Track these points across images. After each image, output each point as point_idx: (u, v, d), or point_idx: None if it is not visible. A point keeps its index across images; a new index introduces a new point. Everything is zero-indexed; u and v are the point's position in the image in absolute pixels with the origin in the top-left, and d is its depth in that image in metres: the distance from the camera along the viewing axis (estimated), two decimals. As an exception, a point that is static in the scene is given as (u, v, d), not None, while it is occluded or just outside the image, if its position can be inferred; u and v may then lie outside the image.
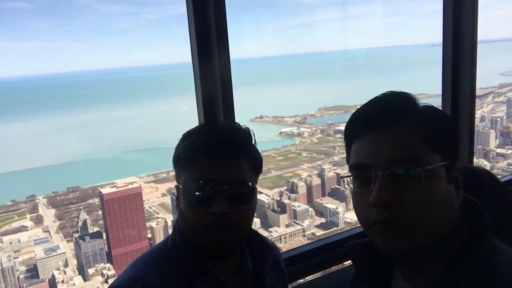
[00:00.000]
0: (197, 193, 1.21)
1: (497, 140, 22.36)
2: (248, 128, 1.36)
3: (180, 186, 1.27)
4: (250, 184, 1.26)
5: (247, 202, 1.26)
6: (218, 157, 1.22)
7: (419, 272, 1.00)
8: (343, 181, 1.05)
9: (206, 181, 1.21)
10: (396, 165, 0.93)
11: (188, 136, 1.29)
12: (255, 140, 1.35)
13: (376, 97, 1.04)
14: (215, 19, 1.95)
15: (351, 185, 1.03)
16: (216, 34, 1.96)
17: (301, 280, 2.35)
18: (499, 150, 21.13)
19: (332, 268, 2.51)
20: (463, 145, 2.80)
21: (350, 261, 2.46)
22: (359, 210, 1.01)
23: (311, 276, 2.43)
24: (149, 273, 1.23)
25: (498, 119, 22.98)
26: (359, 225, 1.03)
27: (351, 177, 1.03)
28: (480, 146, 20.99)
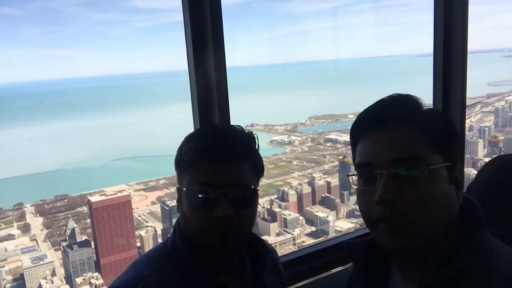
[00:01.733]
0: (200, 196, 1.22)
1: (485, 150, 22.61)
2: (251, 131, 1.38)
3: (184, 189, 1.27)
4: (252, 187, 1.28)
5: (250, 205, 1.28)
6: (221, 160, 1.23)
7: (417, 269, 1.04)
8: (349, 179, 1.09)
9: (209, 184, 1.22)
10: (400, 165, 0.97)
11: (191, 139, 1.30)
12: (258, 144, 1.37)
13: (382, 98, 1.09)
14: (211, 25, 1.95)
15: (357, 183, 1.07)
16: (212, 40, 1.97)
17: (298, 284, 2.36)
18: (487, 159, 21.33)
19: (330, 271, 2.52)
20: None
21: (346, 265, 2.47)
22: (363, 207, 1.04)
23: (307, 279, 2.43)
24: (150, 274, 1.24)
25: (486, 128, 23.26)
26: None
27: (357, 176, 1.07)
28: (468, 155, 21.19)
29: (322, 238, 18.76)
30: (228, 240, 1.23)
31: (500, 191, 1.70)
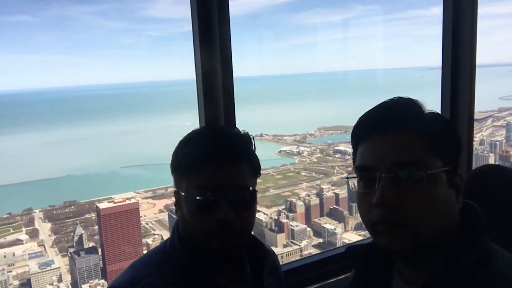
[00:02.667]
0: (201, 200, 1.22)
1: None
2: (247, 132, 1.38)
3: (183, 194, 1.27)
4: (251, 188, 1.28)
5: (250, 206, 1.28)
6: (220, 163, 1.23)
7: (418, 273, 1.04)
8: (349, 182, 1.10)
9: (209, 188, 1.22)
10: (399, 168, 0.98)
11: (188, 142, 1.30)
12: (254, 144, 1.38)
13: (383, 102, 1.09)
14: (219, 33, 1.98)
15: (356, 186, 1.08)
16: (220, 52, 1.99)
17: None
18: (498, 174, 21.04)
19: (330, 280, 2.51)
20: (461, 168, 2.82)
21: (347, 274, 2.46)
22: (363, 210, 1.05)
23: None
24: (148, 275, 1.24)
25: (498, 142, 23.00)
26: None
27: (357, 179, 1.08)
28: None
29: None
30: (230, 243, 1.23)
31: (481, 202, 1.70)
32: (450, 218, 1.01)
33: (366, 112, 1.10)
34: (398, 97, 1.09)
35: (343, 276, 2.47)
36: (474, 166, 2.82)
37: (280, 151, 26.28)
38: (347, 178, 1.11)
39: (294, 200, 21.39)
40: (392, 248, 1.01)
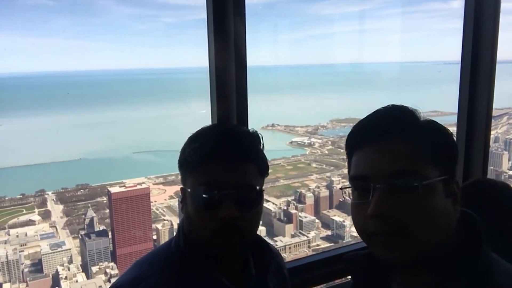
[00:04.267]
0: (205, 198, 1.21)
1: (510, 162, 22.04)
2: (256, 131, 1.36)
3: (188, 190, 1.26)
4: (257, 188, 1.26)
5: (255, 206, 1.26)
6: (227, 161, 1.22)
7: (416, 284, 1.01)
8: (344, 192, 1.08)
9: (214, 185, 1.21)
10: (394, 178, 0.95)
11: (195, 139, 1.29)
12: (263, 144, 1.35)
13: (377, 110, 1.06)
14: (234, 27, 1.96)
15: (351, 196, 1.06)
16: (234, 42, 1.97)
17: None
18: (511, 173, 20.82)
19: (335, 281, 2.50)
20: (476, 165, 2.79)
21: (344, 278, 2.44)
22: (357, 221, 1.03)
23: None
24: (152, 274, 1.23)
25: (512, 141, 22.67)
26: (353, 243, 1.04)
27: (351, 189, 1.06)
28: (492, 167, 20.75)
29: (332, 244, 18.63)
30: (233, 242, 1.22)
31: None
32: (447, 228, 0.99)
33: (360, 121, 1.08)
34: (392, 104, 1.07)
35: (340, 281, 2.47)
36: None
37: (291, 142, 26.24)
38: (341, 188, 1.09)
39: (303, 191, 21.41)
40: (388, 260, 0.99)
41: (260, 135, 1.37)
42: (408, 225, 0.93)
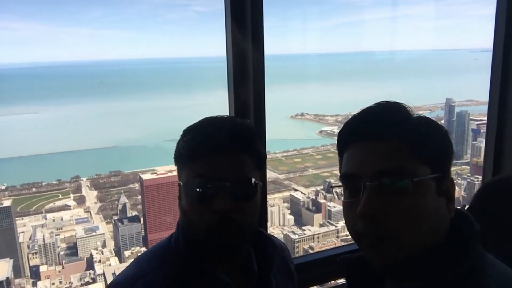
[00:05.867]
0: (198, 190, 1.17)
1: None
2: (249, 122, 1.33)
3: (182, 184, 1.23)
4: (253, 180, 1.22)
5: (250, 198, 1.22)
6: (219, 152, 1.18)
7: (409, 284, 0.99)
8: (334, 191, 1.05)
9: (207, 177, 1.17)
10: (383, 176, 0.93)
11: (188, 132, 1.26)
12: (257, 136, 1.31)
13: (368, 107, 1.04)
14: (251, 17, 1.96)
15: (342, 195, 1.03)
16: (251, 32, 1.97)
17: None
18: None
19: (332, 283, 2.48)
20: (508, 160, 2.71)
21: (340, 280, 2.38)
22: (348, 220, 1.01)
23: None
24: (151, 271, 1.22)
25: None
26: (348, 244, 1.02)
27: (343, 187, 1.03)
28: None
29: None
30: (229, 235, 1.17)
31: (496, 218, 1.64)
32: (439, 229, 0.96)
33: (350, 118, 1.05)
34: (384, 101, 1.04)
35: (336, 284, 2.45)
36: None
37: (320, 131, 26.04)
38: (331, 187, 1.06)
39: (332, 181, 21.26)
40: (376, 264, 0.96)
41: (252, 126, 1.33)
42: (396, 226, 0.91)
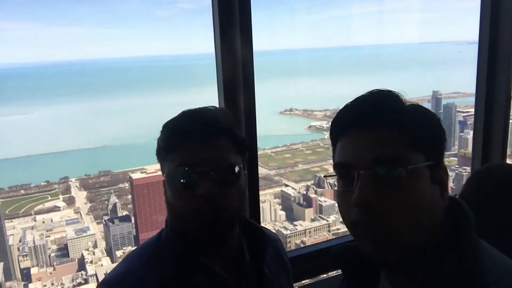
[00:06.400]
0: (180, 179, 1.18)
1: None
2: (225, 108, 1.35)
3: (164, 175, 1.24)
4: (235, 164, 1.23)
5: (233, 181, 1.22)
6: (197, 139, 1.19)
7: (404, 274, 1.00)
8: (328, 181, 1.06)
9: (188, 165, 1.18)
10: (377, 164, 0.93)
11: (166, 125, 1.28)
12: (234, 120, 1.33)
13: (361, 95, 1.04)
14: (239, 11, 1.95)
15: (336, 184, 1.03)
16: (240, 27, 1.97)
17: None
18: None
19: (323, 276, 2.50)
20: (495, 149, 2.75)
21: (334, 272, 2.39)
22: (343, 210, 1.01)
23: (300, 282, 2.41)
24: (142, 267, 1.21)
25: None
26: (341, 236, 1.01)
27: (336, 177, 1.03)
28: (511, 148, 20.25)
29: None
30: (216, 220, 1.17)
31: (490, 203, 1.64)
32: (433, 216, 0.96)
33: (343, 107, 1.05)
34: (377, 89, 1.04)
35: (328, 275, 2.46)
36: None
37: (310, 126, 26.08)
38: (325, 176, 1.06)
39: (322, 175, 21.29)
40: (373, 253, 0.96)
41: (230, 112, 1.35)
42: (392, 215, 0.91)
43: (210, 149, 1.20)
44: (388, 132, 0.95)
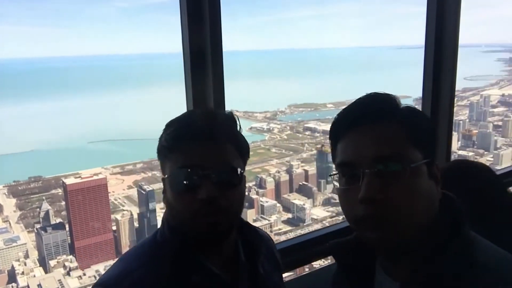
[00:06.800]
0: (183, 181, 1.18)
1: (459, 143, 23.16)
2: (232, 113, 1.35)
3: (165, 176, 1.24)
4: (237, 168, 1.24)
5: (235, 185, 1.24)
6: (202, 141, 1.20)
7: (401, 266, 1.05)
8: (332, 178, 1.09)
9: (191, 167, 1.18)
10: (381, 162, 0.98)
11: (171, 125, 1.27)
12: (240, 125, 1.34)
13: (360, 97, 1.08)
14: (209, 10, 1.94)
15: (338, 183, 1.07)
16: (209, 24, 1.95)
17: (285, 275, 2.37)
18: (460, 152, 21.87)
19: (314, 264, 2.52)
20: (441, 145, 2.88)
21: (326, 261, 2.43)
22: (347, 206, 1.05)
23: (293, 272, 2.42)
24: (138, 268, 1.20)
25: (461, 122, 23.78)
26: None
27: (339, 175, 1.07)
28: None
29: (293, 227, 18.97)
30: (216, 222, 1.19)
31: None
32: (432, 209, 1.03)
33: (343, 109, 1.10)
34: (374, 92, 1.09)
35: (326, 264, 2.49)
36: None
37: (250, 128, 26.36)
38: (330, 175, 1.11)
39: (264, 176, 21.62)
40: (377, 243, 1.02)
41: (236, 116, 1.36)
42: (396, 208, 0.96)
43: (215, 152, 1.21)
44: (388, 130, 1.01)
